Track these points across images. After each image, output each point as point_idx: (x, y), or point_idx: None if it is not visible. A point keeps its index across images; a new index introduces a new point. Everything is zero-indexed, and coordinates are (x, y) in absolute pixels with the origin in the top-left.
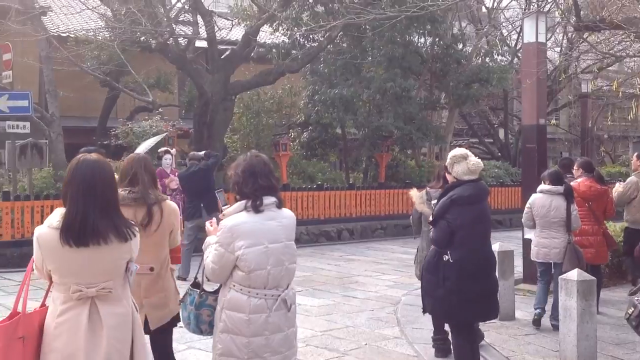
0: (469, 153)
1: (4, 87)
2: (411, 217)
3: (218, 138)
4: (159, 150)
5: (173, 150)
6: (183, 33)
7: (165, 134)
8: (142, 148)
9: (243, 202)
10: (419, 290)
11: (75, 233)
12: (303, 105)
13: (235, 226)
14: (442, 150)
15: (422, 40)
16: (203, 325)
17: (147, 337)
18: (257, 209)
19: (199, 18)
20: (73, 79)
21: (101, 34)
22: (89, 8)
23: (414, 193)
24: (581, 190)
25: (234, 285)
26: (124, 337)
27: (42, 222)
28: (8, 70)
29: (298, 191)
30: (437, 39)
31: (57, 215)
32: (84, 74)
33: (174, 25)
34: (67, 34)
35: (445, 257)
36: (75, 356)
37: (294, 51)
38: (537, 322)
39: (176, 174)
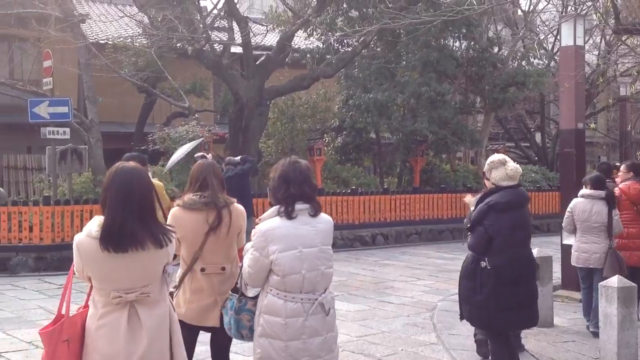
0: (508, 159)
1: (44, 94)
2: (465, 221)
3: (253, 143)
4: (195, 156)
5: (209, 156)
6: (219, 39)
7: (202, 139)
8: (179, 153)
9: (277, 207)
10: (456, 296)
11: (114, 239)
12: (337, 109)
13: (268, 231)
14: (477, 155)
15: (457, 43)
16: (244, 330)
17: (207, 335)
18: (289, 215)
19: (234, 24)
20: (111, 86)
21: (138, 40)
22: (127, 15)
23: (468, 199)
24: (631, 193)
25: (270, 290)
26: (163, 337)
27: (81, 226)
28: (48, 77)
29: (332, 196)
30: (472, 43)
31: (95, 223)
32: (121, 80)
33: (210, 32)
34: (106, 41)
35: (483, 264)
36: (116, 357)
37: (328, 56)
38: (594, 335)
39: None
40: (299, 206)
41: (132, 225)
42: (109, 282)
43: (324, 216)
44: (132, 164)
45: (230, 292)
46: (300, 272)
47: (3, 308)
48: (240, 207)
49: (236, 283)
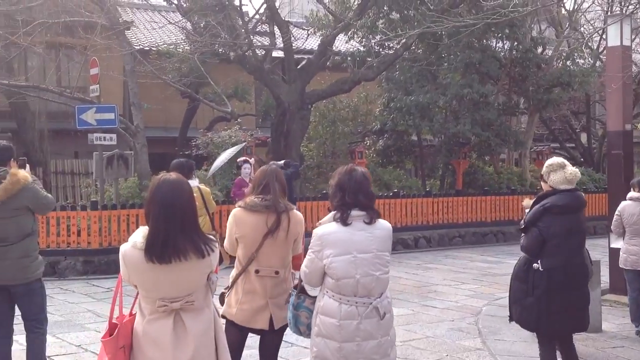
0: (567, 162)
1: (91, 101)
2: (521, 223)
3: (295, 147)
4: (238, 160)
5: (252, 160)
6: (260, 44)
7: (244, 143)
8: (222, 158)
9: (333, 213)
10: (501, 301)
11: (158, 251)
12: (378, 112)
13: (324, 235)
14: (521, 156)
15: (500, 44)
16: (301, 327)
17: (256, 337)
18: (344, 221)
19: (276, 28)
20: (155, 91)
21: (182, 47)
22: (171, 22)
23: (526, 202)
24: None
25: (327, 292)
26: (209, 343)
27: (127, 231)
28: (95, 84)
29: None
30: (515, 43)
31: (140, 234)
32: (165, 86)
33: (252, 36)
34: (149, 47)
35: (536, 266)
36: None
37: (369, 59)
38: None
39: None
40: (354, 212)
41: (175, 237)
42: (155, 291)
43: (382, 223)
44: (174, 175)
45: (292, 288)
46: (355, 276)
47: (53, 312)
48: (299, 214)
49: (300, 280)
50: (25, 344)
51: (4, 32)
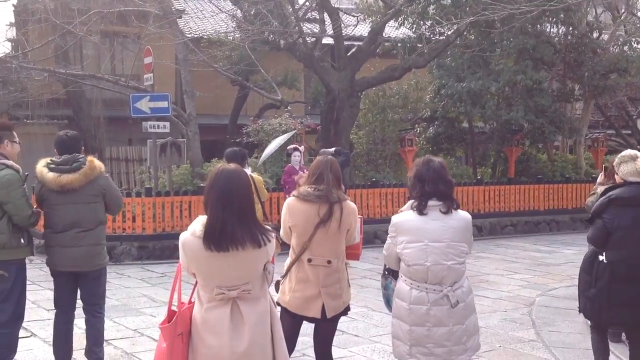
0: (639, 154)
1: (145, 89)
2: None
3: (344, 134)
4: (288, 148)
5: (302, 147)
6: (310, 31)
7: (294, 131)
8: (273, 146)
9: (411, 202)
10: (554, 291)
11: (216, 240)
12: (429, 99)
13: (399, 222)
14: (576, 144)
15: (555, 29)
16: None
17: (310, 325)
18: (420, 211)
19: (326, 16)
20: (206, 79)
21: (232, 35)
22: (222, 11)
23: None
24: None
25: (401, 276)
26: (265, 332)
27: (180, 217)
28: (149, 73)
29: None
30: (571, 28)
31: (199, 223)
32: (216, 74)
33: (302, 24)
34: (201, 36)
35: (600, 257)
36: (221, 349)
37: (419, 45)
38: None
39: (305, 170)
40: (432, 202)
41: (232, 226)
42: (212, 279)
43: (460, 213)
44: (232, 166)
45: (385, 269)
46: (425, 264)
47: (109, 296)
48: (352, 204)
49: (386, 265)
50: (83, 327)
51: (61, 21)
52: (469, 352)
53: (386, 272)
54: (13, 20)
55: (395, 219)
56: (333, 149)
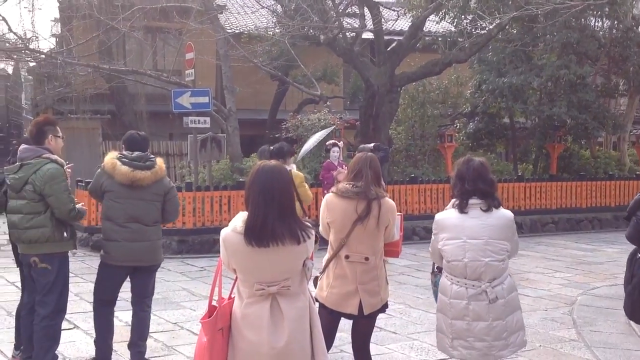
0: None
1: (186, 85)
2: None
3: (383, 130)
4: (327, 143)
5: (340, 143)
6: (350, 26)
7: (333, 127)
8: (312, 142)
9: (453, 200)
10: (596, 290)
11: (256, 235)
12: (469, 95)
13: (440, 220)
14: (620, 140)
15: (600, 23)
16: None
17: (349, 322)
18: (461, 209)
19: (366, 10)
20: (246, 74)
21: (271, 30)
22: (263, 7)
23: None
24: None
25: (443, 271)
26: (303, 328)
27: (220, 212)
28: (190, 69)
29: None
30: (616, 22)
31: (240, 219)
32: (256, 69)
33: (341, 19)
34: (241, 31)
35: (638, 255)
36: (260, 345)
37: (460, 39)
38: None
39: (343, 166)
40: (472, 201)
41: (273, 223)
42: (252, 275)
43: (501, 211)
44: (273, 162)
45: (436, 269)
46: (462, 260)
47: None
48: (391, 201)
49: (435, 263)
50: (125, 320)
51: (105, 17)
52: (511, 348)
53: (435, 270)
54: (58, 16)
55: (437, 216)
56: (372, 144)
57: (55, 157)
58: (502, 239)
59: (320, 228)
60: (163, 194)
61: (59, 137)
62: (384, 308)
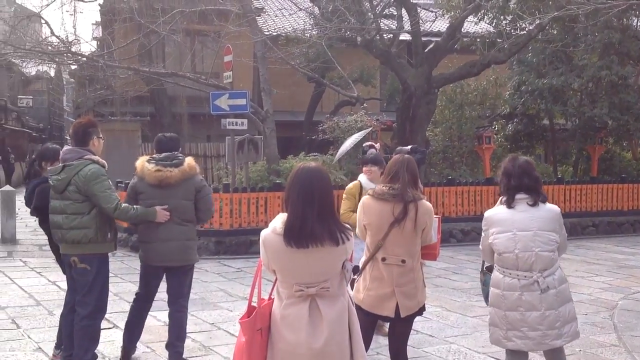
0: None
1: (224, 87)
2: None
3: (420, 132)
4: (364, 145)
5: (377, 145)
6: (387, 27)
7: (370, 129)
8: (348, 143)
9: (501, 197)
10: (638, 295)
11: (296, 236)
12: (508, 96)
13: (489, 216)
14: None
15: None
16: None
17: (386, 325)
18: (508, 204)
19: (403, 11)
20: (283, 76)
21: (308, 32)
22: (301, 9)
23: None
24: None
25: (495, 265)
26: (342, 329)
27: (256, 213)
28: (229, 71)
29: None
30: None
31: (279, 220)
32: (293, 71)
33: (379, 20)
34: (278, 34)
35: None
36: (298, 345)
37: (499, 40)
38: None
39: None
40: (519, 196)
41: (312, 224)
42: (292, 276)
43: (548, 206)
44: (313, 164)
45: (485, 267)
46: (514, 251)
47: None
48: (428, 204)
49: (484, 262)
50: (163, 320)
51: (145, 21)
52: (564, 338)
53: (485, 269)
54: (99, 20)
55: (486, 213)
56: (409, 146)
57: (97, 158)
58: (551, 231)
59: (357, 230)
60: (194, 191)
61: (101, 138)
62: (421, 311)
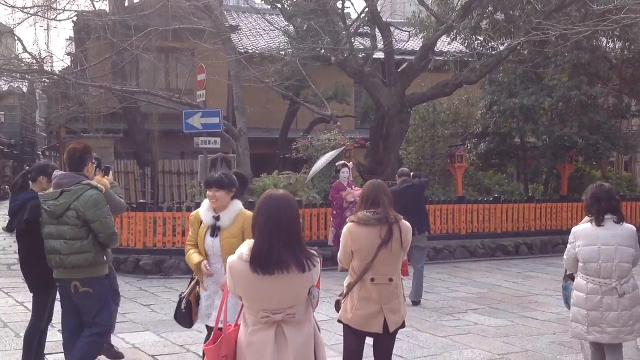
0: None
1: (197, 105)
2: None
3: (393, 150)
4: (337, 164)
5: (350, 163)
6: (361, 45)
7: (343, 147)
8: (321, 162)
9: (587, 217)
10: None
11: (262, 263)
12: (480, 115)
13: (577, 231)
14: (631, 161)
15: (611, 44)
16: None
17: (369, 340)
18: (598, 223)
19: (377, 31)
20: (258, 93)
21: (283, 51)
22: (275, 28)
23: None
24: None
25: (579, 274)
26: (308, 356)
27: None
28: (202, 89)
29: (473, 204)
30: (627, 43)
31: (245, 247)
32: (267, 88)
33: (353, 38)
34: (253, 52)
35: None
36: None
37: (471, 59)
38: None
39: (352, 186)
40: (607, 216)
41: (279, 250)
42: (258, 302)
43: (627, 225)
44: (281, 191)
45: (566, 276)
46: (597, 262)
47: (157, 310)
48: (407, 223)
49: (566, 271)
50: (131, 342)
51: (118, 39)
52: (635, 334)
53: (566, 276)
54: (72, 35)
55: (574, 228)
56: (402, 169)
57: (95, 183)
58: (629, 247)
59: (341, 255)
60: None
61: (94, 163)
62: (403, 324)
